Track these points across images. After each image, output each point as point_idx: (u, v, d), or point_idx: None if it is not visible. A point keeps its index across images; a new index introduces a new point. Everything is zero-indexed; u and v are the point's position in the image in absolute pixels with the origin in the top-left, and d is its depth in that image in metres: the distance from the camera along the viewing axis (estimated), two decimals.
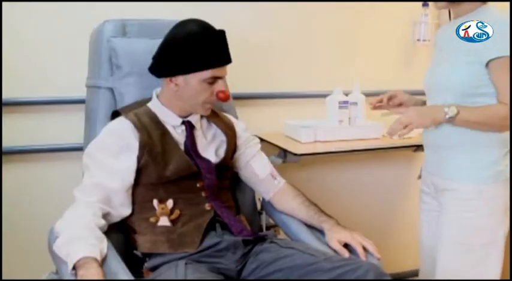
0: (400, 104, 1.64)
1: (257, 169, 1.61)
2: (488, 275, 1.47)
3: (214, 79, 1.45)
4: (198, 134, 1.54)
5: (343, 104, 2.05)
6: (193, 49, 1.41)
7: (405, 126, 1.44)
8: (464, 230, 1.47)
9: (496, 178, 1.45)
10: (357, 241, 1.39)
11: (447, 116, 1.40)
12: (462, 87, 1.43)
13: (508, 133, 1.45)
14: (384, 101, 1.64)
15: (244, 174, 1.64)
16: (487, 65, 1.38)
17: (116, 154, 1.42)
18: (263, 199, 1.69)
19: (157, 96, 1.54)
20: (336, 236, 1.42)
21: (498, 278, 1.47)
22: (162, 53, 1.46)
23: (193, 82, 1.44)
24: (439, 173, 1.54)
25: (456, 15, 1.50)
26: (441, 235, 1.52)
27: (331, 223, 1.48)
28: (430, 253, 1.59)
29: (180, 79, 1.45)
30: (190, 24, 1.45)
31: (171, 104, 1.51)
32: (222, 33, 1.46)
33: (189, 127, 1.52)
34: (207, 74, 1.43)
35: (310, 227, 1.54)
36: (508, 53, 1.34)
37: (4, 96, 1.76)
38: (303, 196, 1.59)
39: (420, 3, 2.26)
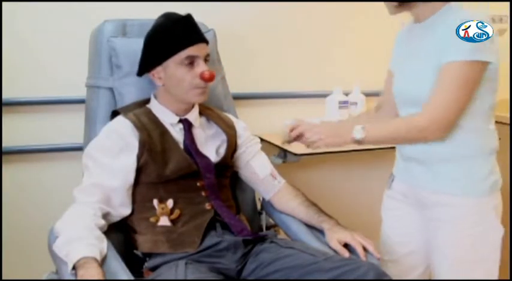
0: (300, 136, 1.45)
1: (257, 169, 1.61)
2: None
3: (191, 60, 1.45)
4: (197, 132, 1.55)
5: (343, 104, 2.05)
6: (162, 37, 1.45)
7: (311, 143, 1.38)
8: (469, 247, 1.39)
9: (493, 189, 1.39)
10: (356, 241, 1.39)
11: (356, 139, 1.33)
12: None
13: (496, 141, 1.40)
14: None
15: (244, 173, 1.64)
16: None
17: (116, 153, 1.42)
18: (263, 199, 1.69)
19: (155, 97, 1.55)
20: (335, 236, 1.42)
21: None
22: (142, 53, 1.51)
23: (171, 69, 1.45)
24: (430, 188, 1.41)
25: (418, 18, 1.40)
26: (442, 252, 1.43)
27: (331, 223, 1.48)
28: (422, 259, 1.53)
29: (160, 71, 1.47)
30: (159, 19, 1.50)
31: (166, 101, 1.51)
32: (187, 17, 1.48)
33: (187, 125, 1.52)
34: (181, 55, 1.44)
35: (310, 227, 1.54)
36: (465, 58, 1.25)
37: (4, 96, 1.76)
38: (303, 196, 1.59)
39: None
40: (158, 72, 1.47)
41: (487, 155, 1.38)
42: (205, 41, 1.50)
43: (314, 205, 1.56)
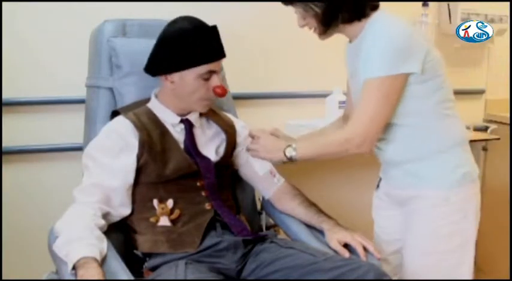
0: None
1: (256, 166, 1.61)
2: (464, 276, 1.44)
3: (209, 74, 1.45)
4: (198, 133, 1.55)
5: (343, 104, 2.04)
6: (187, 45, 1.42)
7: (250, 152, 1.45)
8: (440, 238, 1.42)
9: (464, 181, 1.40)
10: (357, 241, 1.39)
11: (288, 157, 1.37)
12: None
13: (459, 133, 1.42)
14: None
15: (244, 171, 1.64)
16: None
17: (116, 153, 1.42)
18: (263, 199, 1.69)
19: (156, 96, 1.54)
20: (335, 236, 1.42)
21: (472, 275, 1.45)
22: (156, 51, 1.47)
23: (189, 78, 1.44)
24: (403, 186, 1.47)
25: (350, 38, 1.45)
26: (412, 244, 1.46)
27: (331, 223, 1.48)
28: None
29: (175, 76, 1.45)
30: (182, 21, 1.46)
31: (169, 102, 1.51)
32: (214, 28, 1.47)
33: (188, 126, 1.52)
34: (203, 69, 1.43)
35: (310, 227, 1.54)
36: (384, 73, 1.29)
37: (4, 96, 1.76)
38: (303, 195, 1.60)
39: (420, 3, 2.26)
40: (172, 76, 1.46)
41: (450, 149, 1.40)
42: (225, 56, 1.50)
43: (314, 205, 1.56)
